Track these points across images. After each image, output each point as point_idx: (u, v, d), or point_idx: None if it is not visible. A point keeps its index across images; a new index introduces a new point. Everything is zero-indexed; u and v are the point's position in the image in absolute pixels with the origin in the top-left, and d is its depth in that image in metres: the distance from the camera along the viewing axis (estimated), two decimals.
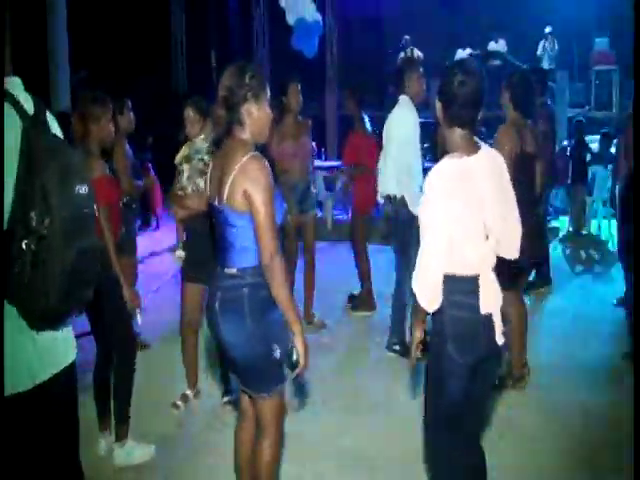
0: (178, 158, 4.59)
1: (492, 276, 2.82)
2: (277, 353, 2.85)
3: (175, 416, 4.53)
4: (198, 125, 4.53)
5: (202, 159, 4.42)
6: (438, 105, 2.85)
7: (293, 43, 12.14)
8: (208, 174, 2.97)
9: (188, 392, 4.69)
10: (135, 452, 3.98)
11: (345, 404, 4.53)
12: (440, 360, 2.76)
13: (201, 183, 4.30)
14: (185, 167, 4.50)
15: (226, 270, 2.85)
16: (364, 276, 6.28)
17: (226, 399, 4.56)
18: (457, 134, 2.79)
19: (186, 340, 4.62)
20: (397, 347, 5.21)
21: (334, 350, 5.45)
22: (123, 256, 4.12)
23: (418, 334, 2.91)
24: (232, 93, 2.79)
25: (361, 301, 6.31)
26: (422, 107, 5.46)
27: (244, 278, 2.83)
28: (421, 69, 5.31)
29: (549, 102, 7.15)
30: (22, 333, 2.17)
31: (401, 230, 5.10)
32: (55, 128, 2.33)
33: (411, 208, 4.91)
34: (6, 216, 2.07)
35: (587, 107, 13.15)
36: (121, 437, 3.96)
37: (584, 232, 8.42)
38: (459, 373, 2.72)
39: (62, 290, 2.11)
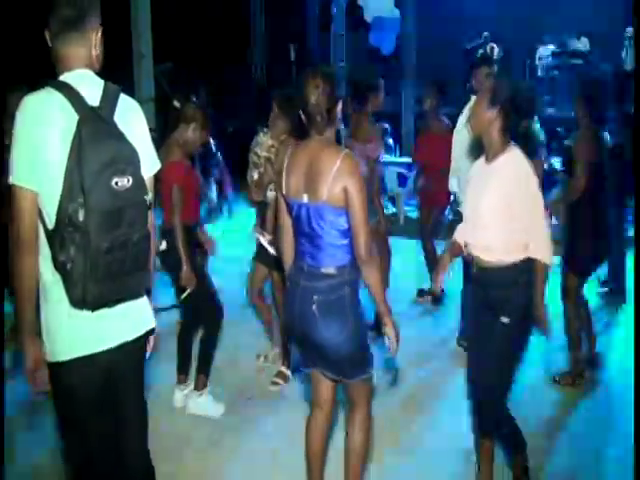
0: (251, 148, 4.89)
1: None
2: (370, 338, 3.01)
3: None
4: (277, 118, 4.69)
5: (257, 153, 4.69)
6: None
7: (371, 39, 12.17)
8: (283, 172, 2.98)
9: (276, 350, 5.12)
10: (208, 404, 4.40)
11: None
12: (523, 330, 3.17)
13: (255, 175, 4.65)
14: (250, 159, 4.85)
15: (323, 270, 2.86)
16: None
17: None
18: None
19: (262, 306, 5.13)
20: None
21: None
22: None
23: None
24: (329, 94, 2.87)
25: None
26: None
27: (343, 276, 2.87)
28: (494, 67, 5.24)
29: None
30: (71, 314, 2.38)
31: None
32: (130, 118, 2.47)
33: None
34: (55, 208, 2.25)
35: None
36: (199, 387, 4.39)
37: None
38: (528, 339, 3.24)
39: (100, 279, 2.28)
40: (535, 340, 4.06)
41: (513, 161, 3.10)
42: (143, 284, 2.52)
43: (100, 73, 2.50)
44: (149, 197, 2.48)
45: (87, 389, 2.50)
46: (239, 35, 14.86)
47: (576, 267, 4.70)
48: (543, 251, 3.10)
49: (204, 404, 4.41)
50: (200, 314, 4.44)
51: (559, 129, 11.23)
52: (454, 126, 5.46)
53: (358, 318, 2.96)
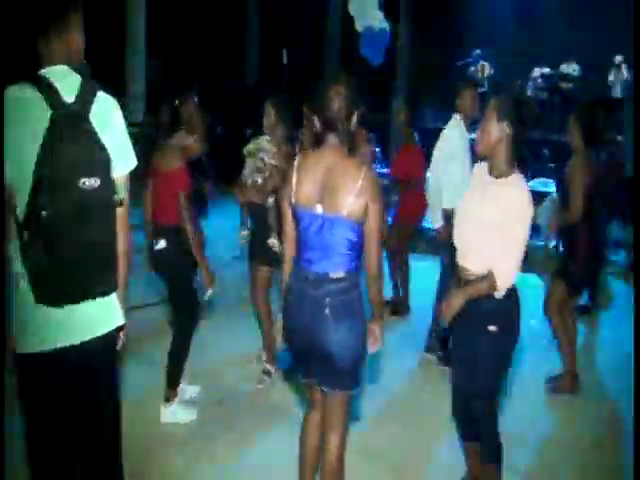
0: (246, 150, 4.85)
1: None
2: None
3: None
4: (272, 122, 4.73)
5: (262, 159, 4.70)
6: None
7: (360, 50, 12.28)
8: (293, 180, 2.92)
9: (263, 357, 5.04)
10: (179, 414, 4.30)
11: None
12: (510, 335, 3.22)
13: (259, 179, 4.68)
14: (249, 162, 4.79)
15: (332, 275, 2.86)
16: (405, 283, 6.44)
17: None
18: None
19: (266, 308, 4.92)
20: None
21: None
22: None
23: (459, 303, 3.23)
24: (351, 102, 2.84)
25: (398, 306, 6.43)
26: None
27: (351, 280, 2.87)
28: (478, 89, 5.36)
29: (617, 135, 7.13)
30: (35, 307, 2.39)
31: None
32: (107, 115, 2.45)
33: (434, 221, 5.13)
34: (24, 204, 2.27)
35: None
36: (169, 398, 4.29)
37: None
38: (514, 346, 3.28)
39: (63, 277, 2.33)
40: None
41: (517, 184, 3.12)
42: (110, 282, 2.52)
43: (91, 68, 2.50)
44: (120, 197, 2.48)
45: (52, 383, 2.51)
46: (233, 39, 14.91)
47: (572, 283, 4.84)
48: (504, 278, 3.11)
49: (176, 412, 4.32)
50: (185, 319, 4.35)
51: (545, 150, 11.40)
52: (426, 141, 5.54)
53: (364, 321, 2.96)
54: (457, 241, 3.33)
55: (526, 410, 4.64)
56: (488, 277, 3.10)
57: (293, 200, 2.91)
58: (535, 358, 5.40)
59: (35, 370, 2.49)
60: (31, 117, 2.29)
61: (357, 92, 2.91)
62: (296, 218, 2.94)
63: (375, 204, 2.80)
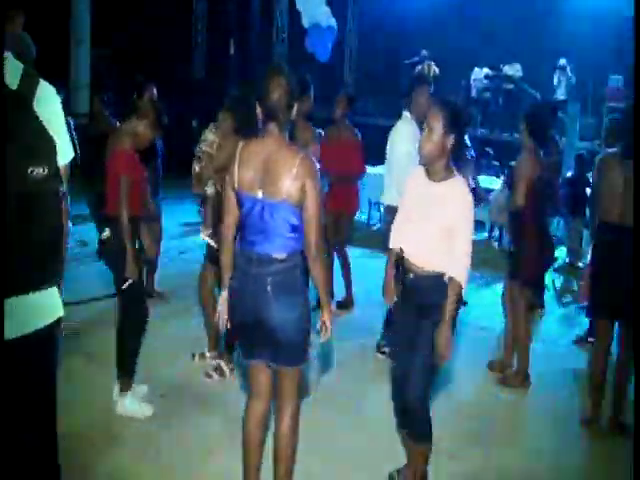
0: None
1: None
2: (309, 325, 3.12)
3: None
4: (226, 117, 4.81)
5: (201, 148, 4.91)
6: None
7: (307, 45, 12.32)
8: (235, 167, 3.03)
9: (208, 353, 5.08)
10: (134, 406, 4.25)
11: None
12: (452, 326, 3.34)
13: (197, 169, 4.90)
14: (195, 152, 4.97)
15: (275, 256, 2.99)
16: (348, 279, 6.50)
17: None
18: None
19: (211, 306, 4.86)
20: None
21: None
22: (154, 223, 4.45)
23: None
24: (291, 93, 2.99)
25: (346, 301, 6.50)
26: None
27: (293, 261, 3.01)
28: (430, 87, 5.36)
29: (556, 135, 7.34)
30: None
31: None
32: (48, 105, 2.40)
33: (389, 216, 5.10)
34: None
35: (597, 141, 13.24)
36: (124, 389, 4.25)
37: (580, 264, 8.53)
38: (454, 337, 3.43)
39: (10, 267, 2.26)
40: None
41: (460, 187, 3.30)
42: (55, 272, 2.48)
43: (36, 57, 2.45)
44: (63, 187, 2.44)
45: None
46: (179, 29, 14.74)
47: (525, 278, 4.95)
48: (459, 270, 3.27)
49: (131, 405, 4.28)
50: (131, 308, 4.30)
51: (488, 149, 11.62)
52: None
53: (307, 299, 3.11)
54: (402, 240, 3.48)
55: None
56: (451, 284, 3.28)
57: (236, 186, 3.04)
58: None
59: None
60: None
61: (306, 88, 2.98)
62: (239, 202, 3.06)
63: (312, 188, 2.94)
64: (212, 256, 4.68)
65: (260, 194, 2.97)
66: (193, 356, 5.10)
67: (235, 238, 3.15)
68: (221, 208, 3.25)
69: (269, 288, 2.99)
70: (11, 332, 2.40)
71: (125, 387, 4.26)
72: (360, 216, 8.97)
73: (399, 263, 3.48)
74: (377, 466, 3.85)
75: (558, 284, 7.97)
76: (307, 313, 3.09)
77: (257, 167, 2.99)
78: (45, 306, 2.52)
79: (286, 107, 2.99)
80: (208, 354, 5.07)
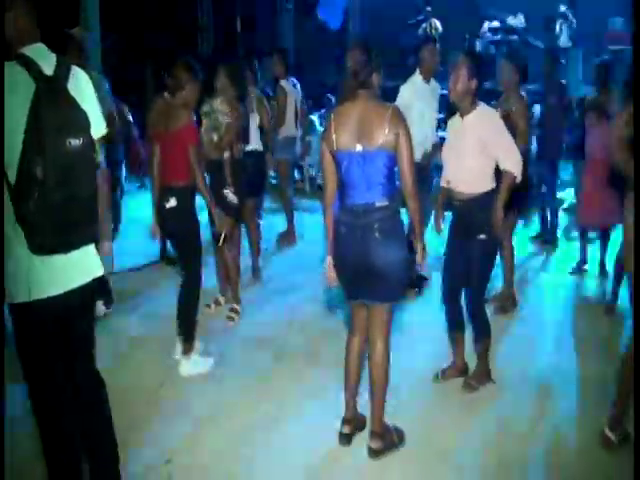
0: (201, 111, 5.27)
1: None
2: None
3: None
4: (223, 85, 5.25)
5: (217, 119, 5.17)
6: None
7: (319, 13, 12.37)
8: (332, 130, 3.42)
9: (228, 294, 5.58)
10: (201, 364, 4.54)
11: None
12: (495, 242, 4.15)
13: (215, 137, 5.16)
14: (205, 121, 5.24)
15: (377, 204, 3.40)
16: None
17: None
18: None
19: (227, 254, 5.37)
20: None
21: None
22: None
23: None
24: (371, 63, 3.47)
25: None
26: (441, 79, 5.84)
27: (394, 208, 3.43)
28: (437, 45, 5.75)
29: (562, 80, 7.59)
30: (28, 257, 2.67)
31: None
32: (81, 86, 2.78)
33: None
34: (15, 166, 2.55)
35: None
36: (186, 351, 4.50)
37: None
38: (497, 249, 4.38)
39: (55, 227, 2.61)
40: None
41: (486, 109, 4.10)
42: (92, 234, 2.83)
43: (45, 42, 2.79)
44: (98, 156, 2.80)
45: (43, 328, 2.78)
46: (185, 8, 14.87)
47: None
48: (512, 162, 3.97)
49: (195, 364, 4.51)
50: (194, 271, 4.53)
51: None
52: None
53: (405, 242, 3.53)
54: (447, 175, 4.21)
55: None
56: (505, 176, 4.00)
57: (335, 147, 3.42)
58: None
59: (27, 319, 2.74)
60: (19, 89, 2.57)
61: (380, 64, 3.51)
62: (337, 161, 3.44)
63: (404, 134, 3.34)
64: (230, 209, 5.05)
65: (359, 147, 3.35)
66: (208, 306, 5.50)
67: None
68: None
69: (377, 234, 3.38)
70: (58, 288, 2.74)
71: (189, 349, 4.49)
72: None
73: (448, 194, 4.24)
74: None
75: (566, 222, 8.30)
76: (406, 252, 3.49)
77: (353, 126, 3.39)
78: (85, 264, 2.85)
79: (369, 74, 3.42)
80: (222, 298, 5.60)
